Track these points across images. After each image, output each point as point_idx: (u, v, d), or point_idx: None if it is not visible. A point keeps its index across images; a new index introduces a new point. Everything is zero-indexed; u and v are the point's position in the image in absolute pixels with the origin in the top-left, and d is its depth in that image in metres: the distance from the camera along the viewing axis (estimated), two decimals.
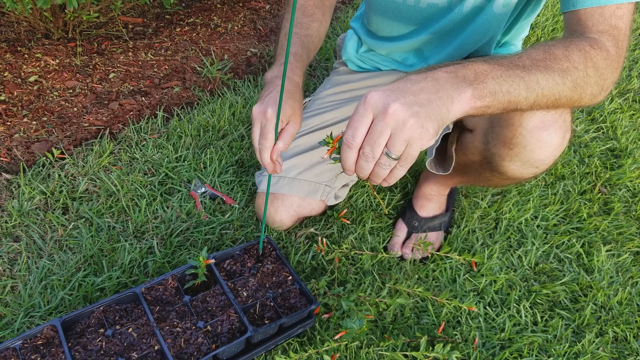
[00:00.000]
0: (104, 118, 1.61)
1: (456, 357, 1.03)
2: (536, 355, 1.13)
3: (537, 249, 1.37)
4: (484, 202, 1.47)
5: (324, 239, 1.27)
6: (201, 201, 1.35)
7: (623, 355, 1.17)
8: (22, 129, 1.52)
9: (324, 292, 1.14)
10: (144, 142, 1.52)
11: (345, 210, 1.37)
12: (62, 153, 1.45)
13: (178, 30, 2.11)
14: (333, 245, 1.27)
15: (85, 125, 1.57)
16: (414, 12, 1.17)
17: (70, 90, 1.70)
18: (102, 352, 0.91)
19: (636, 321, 1.24)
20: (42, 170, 1.38)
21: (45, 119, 1.57)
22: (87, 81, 1.75)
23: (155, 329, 0.95)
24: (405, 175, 1.53)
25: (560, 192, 1.56)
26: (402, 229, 1.36)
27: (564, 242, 1.41)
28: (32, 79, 1.71)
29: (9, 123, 1.53)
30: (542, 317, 1.21)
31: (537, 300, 1.25)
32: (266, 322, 1.01)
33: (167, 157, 1.47)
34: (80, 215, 1.28)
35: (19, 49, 1.83)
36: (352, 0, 2.57)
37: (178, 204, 1.34)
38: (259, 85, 1.83)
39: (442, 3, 1.13)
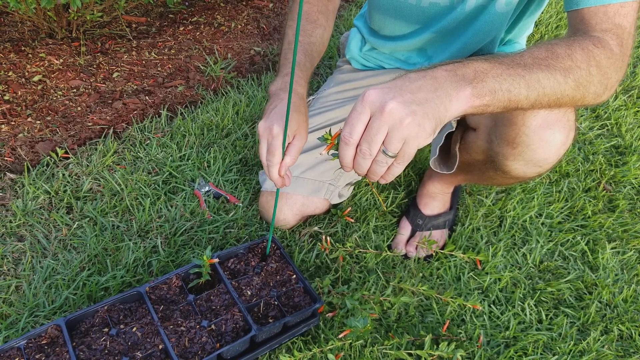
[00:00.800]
0: (107, 117, 1.62)
1: (461, 356, 1.03)
2: (541, 354, 1.13)
3: (541, 246, 1.36)
4: (488, 200, 1.46)
5: (328, 238, 1.27)
6: (205, 200, 1.35)
7: (628, 353, 1.17)
8: (26, 128, 1.52)
9: (328, 290, 1.14)
10: (148, 141, 1.52)
11: (349, 209, 1.37)
12: (66, 152, 1.45)
13: (181, 29, 2.11)
14: (337, 244, 1.27)
15: (89, 124, 1.58)
16: (415, 11, 1.17)
17: (74, 90, 1.70)
18: (106, 351, 0.92)
19: None
20: (46, 170, 1.39)
21: (49, 118, 1.57)
22: (91, 80, 1.75)
23: (160, 328, 0.95)
24: (409, 173, 1.53)
25: (565, 190, 1.55)
26: (406, 227, 1.36)
27: (569, 239, 1.40)
28: (36, 78, 1.71)
29: (13, 123, 1.54)
30: (546, 315, 1.21)
31: (542, 298, 1.25)
32: (270, 320, 1.01)
33: (171, 156, 1.47)
34: (85, 214, 1.29)
35: (22, 48, 1.83)
36: None
37: (182, 203, 1.34)
38: (262, 84, 1.83)
39: (444, 2, 1.12)
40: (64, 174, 1.38)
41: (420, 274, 1.26)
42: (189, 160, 1.47)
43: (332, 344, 1.04)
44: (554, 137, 0.93)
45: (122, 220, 1.28)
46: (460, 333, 1.14)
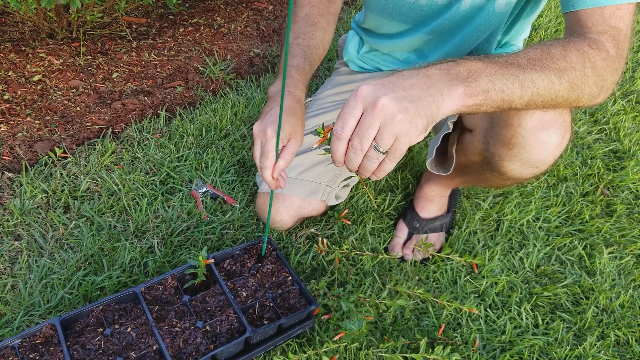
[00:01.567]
0: (106, 117, 1.62)
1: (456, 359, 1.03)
2: (537, 358, 1.12)
3: (538, 251, 1.36)
4: (485, 203, 1.46)
5: (325, 240, 1.26)
6: (202, 201, 1.35)
7: (625, 358, 1.17)
8: (25, 128, 1.52)
9: (323, 292, 1.14)
10: (146, 142, 1.52)
11: (346, 211, 1.36)
12: (64, 152, 1.45)
13: (181, 30, 2.11)
14: (333, 246, 1.27)
15: (88, 124, 1.58)
16: (413, 9, 1.17)
17: (74, 90, 1.70)
18: (100, 351, 0.91)
19: (638, 324, 1.24)
20: (44, 169, 1.39)
21: (48, 118, 1.58)
22: (91, 81, 1.76)
23: (154, 329, 0.95)
24: (406, 176, 1.53)
25: (563, 194, 1.55)
26: (403, 230, 1.36)
27: (566, 244, 1.40)
28: (35, 78, 1.72)
29: (12, 122, 1.54)
30: (543, 320, 1.21)
31: (539, 302, 1.25)
32: (265, 322, 1.01)
33: (169, 156, 1.47)
34: (82, 214, 1.29)
35: (23, 48, 1.83)
36: (355, 1, 2.57)
37: (179, 204, 1.34)
38: (261, 86, 1.83)
39: (441, 0, 1.12)
40: (61, 174, 1.38)
41: (417, 277, 1.26)
42: (187, 161, 1.47)
43: (327, 347, 1.04)
44: (549, 138, 0.93)
45: (119, 220, 1.28)
46: (456, 337, 1.14)
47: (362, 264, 1.26)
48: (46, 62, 1.79)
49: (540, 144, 0.94)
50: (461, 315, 1.18)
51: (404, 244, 1.34)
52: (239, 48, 2.06)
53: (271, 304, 1.04)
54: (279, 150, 0.92)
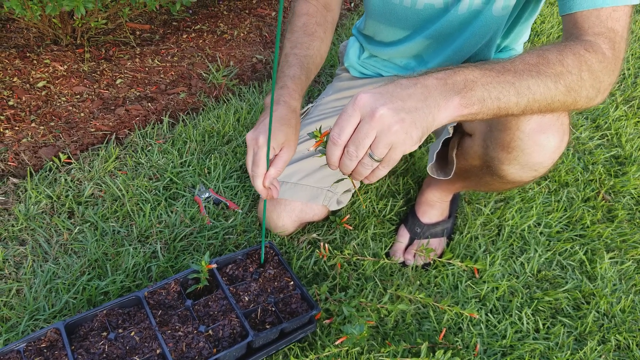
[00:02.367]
0: (110, 123, 1.63)
1: None
2: None
3: (539, 256, 1.37)
4: (486, 208, 1.47)
5: (326, 245, 1.27)
6: (205, 206, 1.36)
7: None
8: (29, 133, 1.54)
9: (325, 297, 1.15)
10: (150, 148, 1.54)
11: (347, 216, 1.37)
12: (68, 158, 1.47)
13: (185, 36, 2.13)
14: (335, 251, 1.28)
15: (92, 130, 1.59)
16: (411, 14, 1.18)
17: (78, 96, 1.72)
18: (104, 355, 0.92)
19: (639, 329, 1.24)
20: (48, 175, 1.40)
21: (52, 124, 1.59)
22: (95, 87, 1.77)
23: (157, 333, 0.96)
24: (408, 181, 1.54)
25: (564, 199, 1.55)
26: (404, 235, 1.37)
27: (567, 249, 1.41)
28: (40, 84, 1.73)
29: (17, 128, 1.55)
30: (544, 325, 1.21)
31: (539, 307, 1.25)
32: (267, 326, 1.02)
33: (172, 162, 1.48)
34: (86, 219, 1.30)
35: (28, 55, 1.85)
36: (357, 7, 2.59)
37: (182, 209, 1.35)
38: (264, 92, 1.85)
39: (438, 4, 1.13)
40: (66, 179, 1.39)
41: (418, 282, 1.26)
42: (190, 167, 1.48)
43: (329, 351, 1.05)
44: (548, 141, 0.94)
45: (122, 226, 1.30)
46: (457, 341, 1.14)
47: (364, 268, 1.27)
48: (51, 68, 1.81)
49: (539, 147, 0.95)
50: (462, 319, 1.19)
51: (406, 249, 1.34)
52: (242, 54, 2.08)
53: (273, 309, 1.05)
54: (272, 158, 0.93)
